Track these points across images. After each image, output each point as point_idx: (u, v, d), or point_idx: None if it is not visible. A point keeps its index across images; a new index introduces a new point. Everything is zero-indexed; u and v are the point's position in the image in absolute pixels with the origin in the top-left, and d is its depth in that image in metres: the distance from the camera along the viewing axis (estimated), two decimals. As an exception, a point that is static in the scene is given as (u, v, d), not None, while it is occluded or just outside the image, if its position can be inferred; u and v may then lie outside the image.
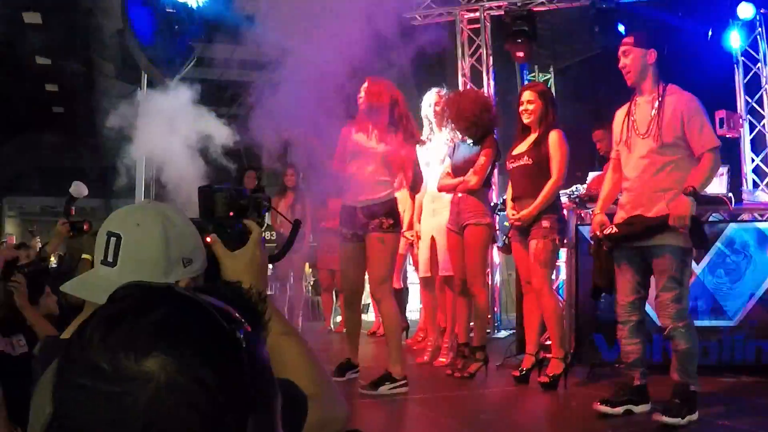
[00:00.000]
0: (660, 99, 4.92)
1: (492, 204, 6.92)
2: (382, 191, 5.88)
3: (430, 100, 7.35)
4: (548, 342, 6.28)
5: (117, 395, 0.77)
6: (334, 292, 9.91)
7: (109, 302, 0.86)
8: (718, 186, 7.08)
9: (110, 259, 1.74)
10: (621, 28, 9.44)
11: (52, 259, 6.12)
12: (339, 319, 10.22)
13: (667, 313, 4.78)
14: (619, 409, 4.87)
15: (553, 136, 5.91)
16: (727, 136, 8.54)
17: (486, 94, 6.70)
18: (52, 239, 5.85)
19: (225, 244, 1.89)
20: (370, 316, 10.39)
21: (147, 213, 1.79)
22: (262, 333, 0.90)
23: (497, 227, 7.03)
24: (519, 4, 9.96)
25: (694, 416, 4.67)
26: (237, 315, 0.86)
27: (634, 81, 5.04)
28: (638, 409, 4.91)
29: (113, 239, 1.74)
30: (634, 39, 5.06)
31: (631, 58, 4.99)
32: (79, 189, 6.30)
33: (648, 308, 6.16)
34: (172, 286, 0.87)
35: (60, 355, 0.85)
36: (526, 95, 6.11)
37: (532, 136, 6.00)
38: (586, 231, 6.40)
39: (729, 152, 8.60)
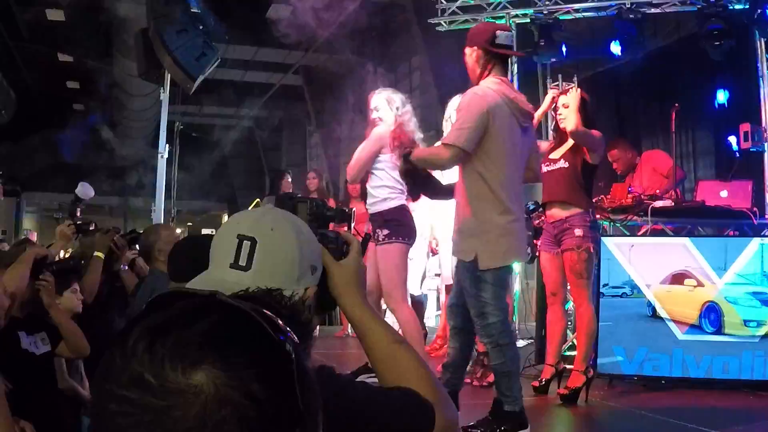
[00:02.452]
0: None
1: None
2: (379, 199, 6.02)
3: (455, 105, 7.35)
4: (568, 353, 6.25)
5: (164, 409, 0.75)
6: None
7: (150, 310, 0.84)
8: (742, 200, 7.05)
9: (242, 262, 1.68)
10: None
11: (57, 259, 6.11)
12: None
13: (476, 326, 4.65)
14: None
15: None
16: (751, 149, 8.47)
17: None
18: (56, 241, 5.86)
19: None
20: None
21: (278, 218, 1.76)
22: (309, 343, 0.88)
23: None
24: (545, 12, 9.93)
25: None
26: (283, 324, 0.84)
27: (471, 79, 4.90)
28: None
29: (246, 243, 1.69)
30: (466, 39, 4.91)
31: (465, 59, 4.88)
32: (85, 190, 6.31)
33: (667, 319, 6.16)
34: (216, 294, 0.85)
35: (100, 365, 0.82)
36: (562, 99, 6.07)
37: (570, 142, 5.92)
38: (608, 241, 6.37)
39: (752, 166, 8.54)
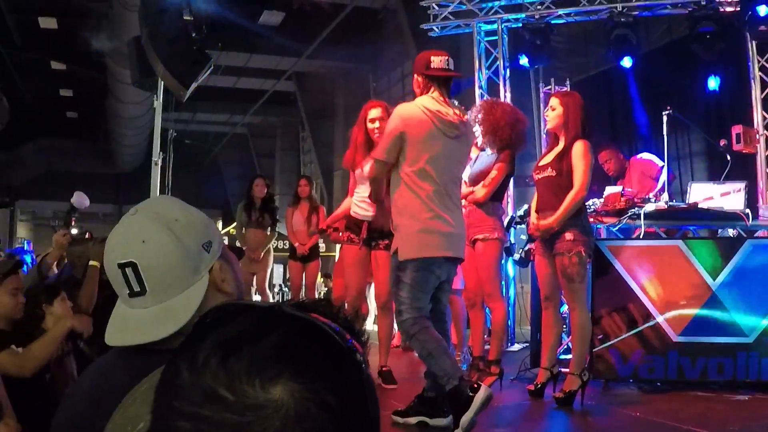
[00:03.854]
0: None
1: (509, 217, 6.92)
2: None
3: None
4: (563, 356, 6.26)
5: (243, 425, 0.74)
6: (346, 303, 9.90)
7: (202, 327, 0.82)
8: (735, 202, 7.07)
9: (137, 288, 1.63)
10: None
11: (54, 269, 6.10)
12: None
13: (396, 322, 5.16)
14: (412, 420, 4.92)
15: (577, 147, 5.73)
16: (744, 151, 8.51)
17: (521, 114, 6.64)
18: (52, 250, 5.85)
19: None
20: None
21: (143, 224, 1.66)
22: (367, 351, 0.88)
23: (513, 240, 6.99)
24: (537, 17, 9.97)
25: (435, 421, 4.87)
26: (349, 335, 0.83)
27: None
28: (432, 422, 4.88)
29: (129, 269, 1.62)
30: (413, 67, 5.31)
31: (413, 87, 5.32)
32: (80, 200, 6.29)
33: (662, 322, 6.18)
34: (277, 306, 0.83)
35: (158, 381, 0.82)
36: (552, 101, 6.08)
37: (559, 146, 5.92)
38: (602, 245, 6.39)
39: (745, 168, 8.58)
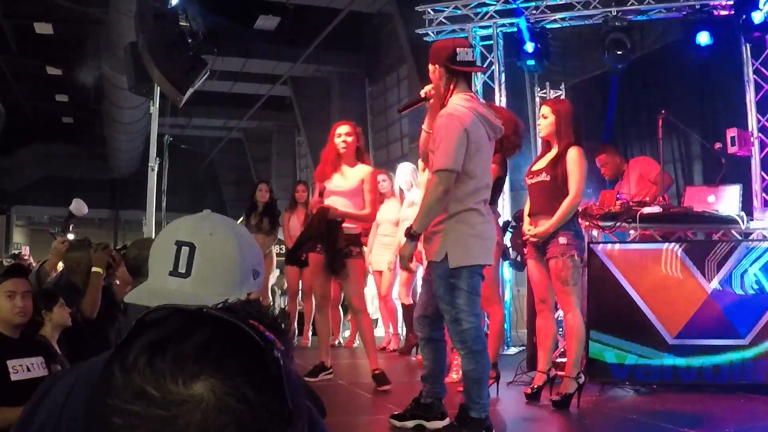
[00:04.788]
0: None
1: (504, 221, 6.94)
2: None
3: (406, 170, 8.65)
4: (560, 360, 6.27)
5: (168, 418, 0.80)
6: (340, 307, 9.90)
7: (142, 327, 0.87)
8: (730, 205, 7.10)
9: (182, 269, 1.66)
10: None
11: (53, 274, 6.13)
12: (347, 333, 10.23)
13: (450, 333, 4.75)
14: (409, 423, 4.88)
15: (572, 153, 5.77)
16: (738, 154, 8.53)
17: (520, 121, 6.66)
18: (50, 257, 5.86)
19: None
20: (379, 331, 10.38)
21: (217, 223, 1.73)
22: (291, 349, 0.93)
23: (508, 244, 7.01)
24: (532, 21, 10.00)
25: (432, 424, 4.79)
26: (269, 334, 0.88)
27: (437, 94, 4.97)
28: (429, 425, 4.85)
29: (185, 249, 1.66)
30: (429, 55, 4.98)
31: (430, 75, 4.96)
32: (79, 206, 6.32)
33: (657, 324, 6.20)
34: (204, 308, 0.89)
35: (94, 380, 0.87)
36: (542, 109, 6.11)
37: (552, 153, 5.94)
38: (598, 248, 6.41)
39: (740, 171, 8.61)
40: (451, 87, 4.80)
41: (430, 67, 4.90)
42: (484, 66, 10.19)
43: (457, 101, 4.73)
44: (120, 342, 0.87)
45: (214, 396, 0.80)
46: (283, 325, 0.94)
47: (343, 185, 6.56)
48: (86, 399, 0.90)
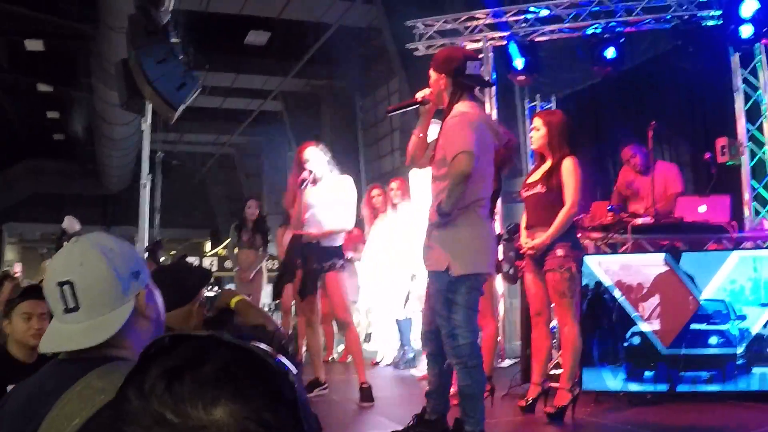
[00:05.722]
0: (443, 124, 4.77)
1: (497, 234, 6.94)
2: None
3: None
4: (553, 371, 6.28)
5: None
6: (333, 322, 9.91)
7: (147, 358, 0.88)
8: (721, 215, 7.12)
9: (71, 305, 1.85)
10: (610, 52, 9.51)
11: None
12: (341, 348, 10.22)
13: (446, 347, 4.65)
14: None
15: (566, 164, 5.77)
16: (728, 163, 8.56)
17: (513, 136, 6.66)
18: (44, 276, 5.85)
19: None
20: (372, 346, 10.38)
21: (84, 249, 1.89)
22: (300, 370, 0.94)
23: (502, 257, 7.02)
24: (521, 34, 10.03)
25: None
26: (281, 357, 0.90)
27: (436, 105, 4.89)
28: None
29: (66, 287, 1.84)
30: (433, 61, 4.88)
31: (431, 81, 4.86)
32: (72, 224, 6.33)
33: (650, 334, 6.21)
34: (214, 335, 0.89)
35: (109, 407, 0.87)
36: (534, 121, 6.12)
37: (546, 164, 5.95)
38: (590, 260, 6.43)
39: (729, 180, 8.64)
40: (456, 99, 4.75)
41: (433, 74, 4.82)
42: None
43: (464, 108, 4.69)
44: (131, 371, 0.88)
45: (234, 420, 0.81)
46: (290, 348, 0.95)
47: (318, 199, 6.63)
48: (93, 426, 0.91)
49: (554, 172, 5.80)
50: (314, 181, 6.64)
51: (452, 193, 4.52)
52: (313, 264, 6.52)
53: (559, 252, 5.65)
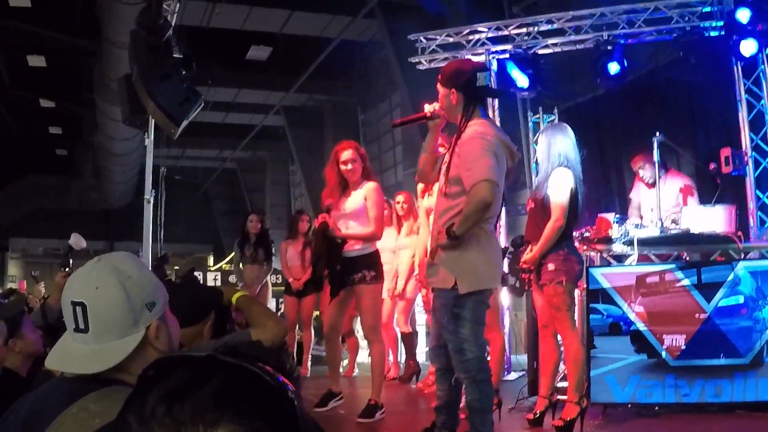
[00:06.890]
0: (456, 139, 4.64)
1: (502, 247, 6.93)
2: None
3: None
4: (561, 384, 6.25)
5: None
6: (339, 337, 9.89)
7: (144, 381, 0.89)
8: (727, 224, 7.11)
9: (81, 326, 1.87)
10: (613, 67, 9.49)
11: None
12: (346, 362, 10.18)
13: (453, 362, 4.60)
14: None
15: (552, 175, 5.72)
16: (733, 173, 8.55)
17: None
18: (53, 293, 5.86)
19: None
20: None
21: (103, 273, 1.90)
22: (299, 386, 0.93)
23: (507, 269, 7.00)
24: (523, 47, 10.04)
25: None
26: (280, 375, 0.90)
27: (446, 120, 4.80)
28: None
29: (79, 308, 1.86)
30: (440, 76, 4.76)
31: (439, 97, 4.75)
32: (78, 241, 6.32)
33: (658, 345, 6.19)
34: (213, 355, 0.89)
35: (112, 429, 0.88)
36: (540, 137, 6.14)
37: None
38: (596, 272, 6.41)
39: (735, 190, 8.63)
40: (470, 114, 4.64)
41: (441, 89, 4.70)
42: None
43: (480, 128, 4.58)
44: (130, 395, 0.88)
45: None
46: (288, 366, 0.95)
47: (348, 207, 6.39)
48: None
49: (541, 185, 5.80)
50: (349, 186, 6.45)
51: (468, 219, 4.45)
52: (342, 275, 6.33)
53: (550, 266, 5.63)
